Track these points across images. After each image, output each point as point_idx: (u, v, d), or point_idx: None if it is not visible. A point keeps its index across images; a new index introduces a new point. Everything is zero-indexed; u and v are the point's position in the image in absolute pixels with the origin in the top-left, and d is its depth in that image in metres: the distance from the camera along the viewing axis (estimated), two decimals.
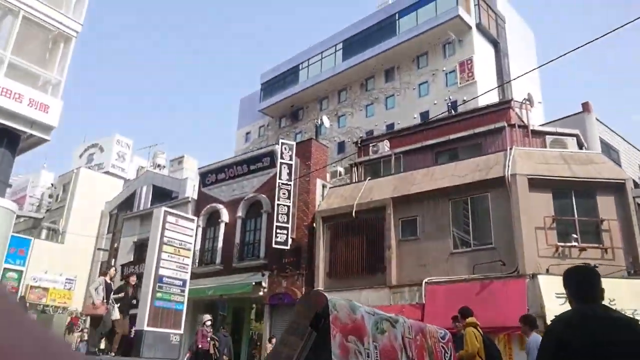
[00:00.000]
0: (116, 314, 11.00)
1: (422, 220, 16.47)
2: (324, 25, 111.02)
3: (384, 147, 19.82)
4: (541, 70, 40.18)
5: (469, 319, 7.76)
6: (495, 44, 35.94)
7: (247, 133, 46.01)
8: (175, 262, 13.64)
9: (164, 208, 13.41)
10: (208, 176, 22.59)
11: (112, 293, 11.19)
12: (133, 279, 12.06)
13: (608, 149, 19.06)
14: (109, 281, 11.40)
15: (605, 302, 7.36)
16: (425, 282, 15.50)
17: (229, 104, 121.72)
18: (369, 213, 17.52)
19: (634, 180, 15.43)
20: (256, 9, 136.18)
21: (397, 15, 36.94)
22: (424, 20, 34.80)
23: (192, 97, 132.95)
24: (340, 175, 25.55)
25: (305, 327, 4.18)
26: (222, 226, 21.27)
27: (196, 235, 21.39)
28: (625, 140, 20.68)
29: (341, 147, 37.92)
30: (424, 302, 15.28)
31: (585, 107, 19.52)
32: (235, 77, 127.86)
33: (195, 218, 15.46)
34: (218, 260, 20.79)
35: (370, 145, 20.37)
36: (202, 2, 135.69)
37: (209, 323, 14.60)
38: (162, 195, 27.08)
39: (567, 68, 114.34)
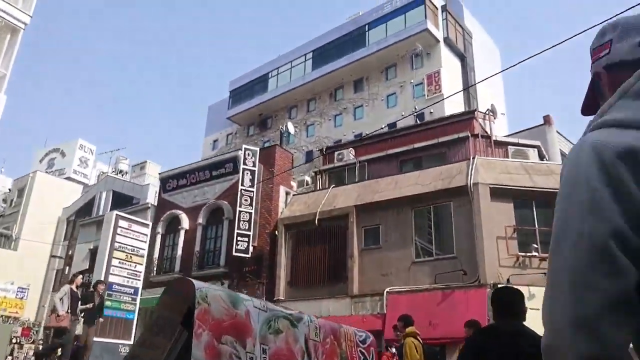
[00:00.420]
0: (80, 329, 10.02)
1: (384, 228, 16.21)
2: (295, 34, 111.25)
3: (349, 155, 19.58)
4: (505, 83, 40.93)
5: (409, 329, 7.29)
6: (462, 58, 36.41)
7: (215, 141, 45.30)
8: (127, 269, 13.01)
9: (115, 212, 12.82)
10: (169, 182, 21.91)
11: (78, 303, 10.08)
12: (102, 288, 10.99)
13: None
14: (75, 290, 10.39)
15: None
16: (387, 292, 15.21)
17: (197, 111, 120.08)
18: (332, 221, 17.19)
19: None
20: (228, 17, 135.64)
21: (366, 26, 37.10)
22: (393, 32, 35.03)
23: (160, 103, 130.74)
24: (307, 184, 25.21)
25: (175, 324, 3.42)
26: (182, 233, 20.59)
27: (154, 242, 20.81)
28: None
29: (309, 156, 37.59)
30: (385, 312, 14.97)
31: (547, 119, 19.73)
32: (205, 84, 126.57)
33: (150, 223, 14.86)
34: (177, 268, 20.08)
35: (336, 153, 20.10)
36: (171, 9, 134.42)
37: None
38: (122, 201, 26.20)
39: (530, 82, 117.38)
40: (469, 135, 17.25)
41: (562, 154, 18.99)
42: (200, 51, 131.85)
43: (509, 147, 16.96)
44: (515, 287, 3.72)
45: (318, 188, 19.45)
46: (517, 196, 14.94)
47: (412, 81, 34.28)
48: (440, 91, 32.32)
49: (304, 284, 17.17)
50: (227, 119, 43.68)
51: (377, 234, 16.31)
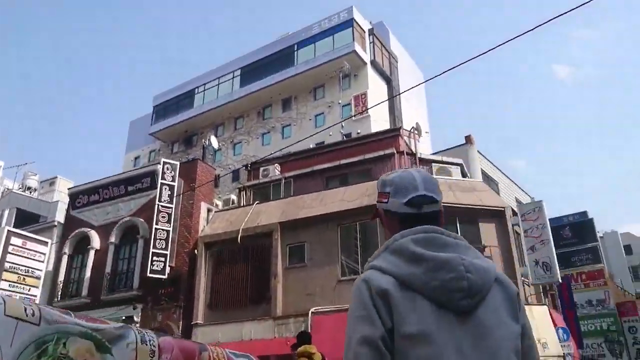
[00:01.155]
0: None
1: (310, 246, 15.56)
2: (223, 51, 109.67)
3: (275, 170, 18.87)
4: (429, 106, 42.15)
5: (300, 349, 6.56)
6: (388, 80, 37.08)
7: (136, 157, 43.05)
8: (19, 292, 11.42)
9: (7, 228, 11.27)
10: (79, 197, 20.09)
11: None
12: None
13: (488, 180, 19.66)
14: None
15: None
16: (312, 312, 14.47)
17: (117, 126, 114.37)
18: (255, 239, 16.31)
19: (512, 208, 15.77)
20: (151, 32, 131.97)
21: (295, 46, 36.99)
22: (322, 52, 35.11)
23: (76, 117, 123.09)
24: (233, 203, 24.18)
25: None
26: (92, 253, 18.81)
27: (60, 263, 18.90)
28: (504, 174, 21.58)
29: (236, 175, 36.50)
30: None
31: (468, 139, 20.11)
32: (127, 98, 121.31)
33: (51, 242, 13.21)
34: (85, 292, 18.25)
35: (261, 169, 19.32)
36: (92, 20, 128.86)
37: None
38: (27, 219, 23.75)
39: (453, 105, 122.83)
40: (395, 152, 17.11)
41: (483, 172, 19.34)
42: (122, 62, 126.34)
43: (433, 164, 16.99)
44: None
45: (242, 205, 18.53)
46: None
47: (339, 101, 34.35)
48: (367, 112, 32.56)
49: (224, 306, 16.07)
50: (149, 135, 41.72)
51: (302, 252, 15.62)
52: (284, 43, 37.70)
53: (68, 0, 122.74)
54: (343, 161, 17.71)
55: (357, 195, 15.58)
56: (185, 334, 16.08)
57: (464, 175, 17.38)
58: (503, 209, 15.19)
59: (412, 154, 17.40)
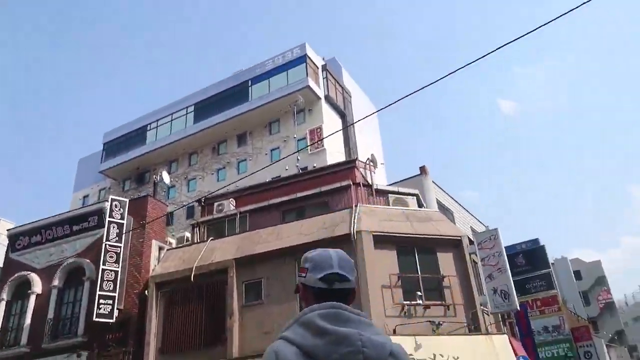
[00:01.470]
0: None
1: (267, 282, 15.00)
2: (175, 88, 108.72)
3: (230, 205, 18.34)
4: (382, 138, 42.78)
5: None
6: (342, 114, 37.45)
7: (85, 196, 41.32)
8: None
9: None
10: (19, 239, 18.82)
11: None
12: None
13: (444, 210, 19.78)
14: None
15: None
16: None
17: (64, 165, 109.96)
18: (210, 277, 15.61)
19: (468, 237, 15.81)
20: (101, 68, 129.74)
21: (249, 82, 37.00)
22: (276, 88, 35.23)
23: (18, 154, 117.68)
24: (187, 240, 23.31)
25: None
26: (33, 298, 17.51)
27: None
28: (458, 203, 21.81)
29: (191, 211, 35.51)
30: None
31: (423, 170, 20.29)
32: (75, 138, 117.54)
33: None
34: (24, 340, 16.86)
35: (215, 204, 18.74)
36: (39, 53, 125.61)
37: None
38: None
39: (407, 138, 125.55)
40: (351, 183, 16.99)
41: (438, 202, 19.44)
42: (68, 99, 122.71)
43: (390, 195, 16.94)
44: None
45: (196, 242, 17.81)
46: (400, 243, 14.68)
47: (295, 136, 34.30)
48: (322, 146, 32.62)
49: (177, 349, 15.16)
50: (99, 173, 40.30)
51: (258, 289, 15.03)
52: (238, 79, 37.66)
53: (13, 34, 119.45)
54: (299, 194, 17.41)
55: (315, 228, 15.26)
56: None
57: (420, 205, 17.40)
58: (460, 238, 15.20)
59: (368, 185, 17.32)
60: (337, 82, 38.33)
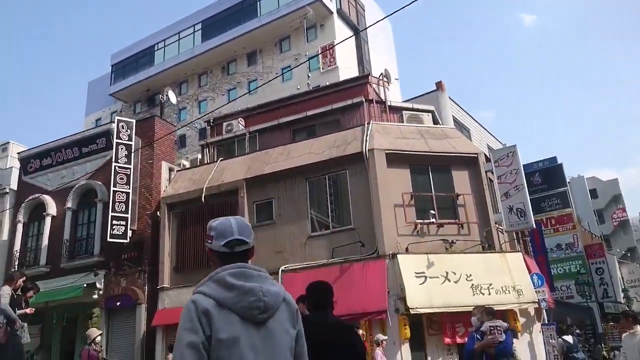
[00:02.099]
0: (27, 337, 7.35)
1: (278, 202, 14.77)
2: (182, 4, 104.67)
3: (239, 125, 17.80)
4: (398, 55, 41.07)
5: None
6: (355, 30, 35.63)
7: (97, 119, 41.01)
8: None
9: None
10: (30, 162, 18.71)
11: (16, 309, 7.27)
12: (31, 295, 7.97)
13: (460, 127, 19.02)
14: (14, 293, 7.46)
15: (459, 277, 11.75)
16: (282, 270, 13.84)
17: (75, 87, 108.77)
18: (220, 197, 15.41)
19: (485, 155, 15.20)
20: None
21: None
22: (285, 2, 33.35)
23: (29, 78, 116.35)
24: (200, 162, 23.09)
25: None
26: (49, 220, 17.67)
27: (15, 231, 17.75)
28: (475, 120, 20.97)
29: (203, 133, 35.08)
30: None
31: (439, 85, 19.31)
32: (83, 58, 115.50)
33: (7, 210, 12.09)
34: (43, 260, 17.22)
35: (224, 124, 18.21)
36: None
37: (99, 339, 9.97)
38: None
39: (422, 55, 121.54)
40: (363, 100, 16.21)
41: (454, 119, 18.67)
42: (73, 19, 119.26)
43: (404, 112, 16.18)
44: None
45: (205, 162, 17.50)
46: (414, 161, 14.16)
47: (306, 54, 32.90)
48: (335, 64, 31.36)
49: (191, 268, 15.30)
50: (110, 96, 39.68)
51: (270, 209, 14.83)
52: None
53: None
54: (309, 112, 16.75)
55: (326, 147, 14.74)
56: (151, 299, 15.36)
57: (435, 122, 16.66)
58: (476, 156, 14.61)
59: (382, 102, 16.54)
60: None
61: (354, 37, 35.55)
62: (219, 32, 35.72)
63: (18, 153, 20.19)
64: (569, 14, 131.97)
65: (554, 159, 33.64)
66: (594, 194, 53.06)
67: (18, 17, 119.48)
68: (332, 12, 33.24)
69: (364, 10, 37.43)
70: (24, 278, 8.02)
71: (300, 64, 31.66)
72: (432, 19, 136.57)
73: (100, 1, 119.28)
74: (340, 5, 34.11)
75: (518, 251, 14.20)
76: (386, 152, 13.80)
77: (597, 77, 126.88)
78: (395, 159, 13.91)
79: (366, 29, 32.68)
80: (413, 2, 8.05)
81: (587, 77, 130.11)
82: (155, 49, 38.48)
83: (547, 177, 33.01)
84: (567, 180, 36.26)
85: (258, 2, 34.93)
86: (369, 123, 14.73)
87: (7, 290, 7.29)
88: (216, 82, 36.72)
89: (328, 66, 31.75)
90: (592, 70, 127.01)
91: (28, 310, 7.49)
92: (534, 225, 14.12)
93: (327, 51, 32.14)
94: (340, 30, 33.57)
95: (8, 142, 30.08)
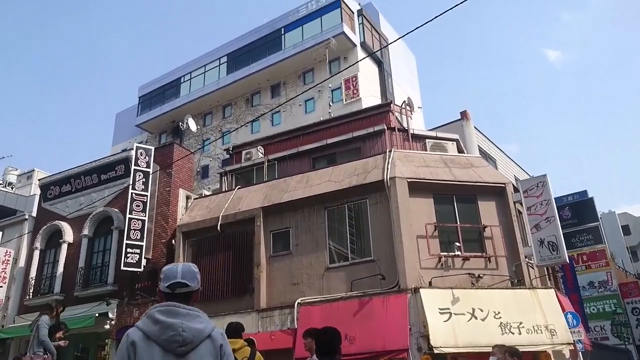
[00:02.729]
0: None
1: (295, 232, 14.17)
2: (208, 38, 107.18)
3: (258, 153, 17.45)
4: (421, 83, 40.75)
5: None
6: (379, 63, 35.54)
7: (124, 150, 41.36)
8: None
9: None
10: (50, 189, 18.63)
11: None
12: (60, 335, 7.67)
13: (486, 157, 18.27)
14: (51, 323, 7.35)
15: (487, 315, 11.35)
16: (298, 303, 13.12)
17: (103, 119, 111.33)
18: (236, 226, 14.91)
19: (513, 185, 14.41)
20: (136, 21, 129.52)
21: (282, 30, 35.44)
22: (310, 36, 33.56)
23: (59, 110, 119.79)
24: None
25: None
26: (65, 247, 17.40)
27: (31, 259, 17.51)
28: (502, 151, 20.20)
29: (225, 163, 35.08)
30: (296, 326, 12.86)
31: (464, 115, 18.70)
32: (112, 91, 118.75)
33: (24, 236, 11.80)
34: (57, 288, 16.86)
35: (243, 152, 17.89)
36: (72, 13, 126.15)
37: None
38: (3, 214, 22.32)
39: (446, 89, 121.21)
40: (385, 128, 15.70)
41: (480, 150, 17.95)
42: (103, 53, 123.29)
43: (427, 140, 15.57)
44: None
45: (223, 190, 17.10)
46: (437, 190, 13.46)
47: (330, 85, 32.83)
48: (358, 96, 31.13)
49: (205, 299, 14.65)
50: (136, 127, 40.18)
51: (287, 238, 14.23)
52: (270, 27, 36.10)
53: None
54: (330, 140, 16.30)
55: (346, 175, 14.19)
56: None
57: (460, 151, 15.97)
58: (504, 185, 13.83)
59: (404, 130, 15.98)
60: (374, 28, 36.26)
61: (377, 69, 35.51)
62: (243, 64, 36.09)
63: (39, 180, 20.20)
64: (593, 50, 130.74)
65: (585, 192, 32.37)
66: (626, 230, 50.97)
67: (53, 51, 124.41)
68: (355, 45, 33.27)
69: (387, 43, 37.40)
70: (62, 308, 8.08)
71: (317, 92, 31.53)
72: (454, 52, 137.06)
73: (131, 36, 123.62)
74: (364, 38, 34.15)
75: (550, 287, 13.21)
76: (408, 180, 13.16)
77: (623, 112, 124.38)
78: (418, 188, 13.24)
79: (387, 45, 32.48)
80: (427, 22, 7.61)
81: (611, 112, 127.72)
82: (182, 81, 39.05)
83: (577, 211, 31.67)
84: (598, 215, 34.77)
85: (283, 36, 35.27)
86: (390, 151, 14.16)
87: (46, 320, 7.26)
88: (240, 114, 36.85)
89: (351, 98, 31.55)
90: (617, 104, 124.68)
91: (62, 343, 7.39)
92: (567, 260, 13.14)
93: (350, 83, 32.03)
94: (364, 62, 33.46)
95: (33, 170, 30.45)
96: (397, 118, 16.46)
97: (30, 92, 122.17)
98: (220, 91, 36.74)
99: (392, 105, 16.85)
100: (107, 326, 15.25)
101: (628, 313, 29.25)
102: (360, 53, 33.63)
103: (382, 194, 13.30)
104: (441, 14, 7.39)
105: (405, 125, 16.23)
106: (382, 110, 16.73)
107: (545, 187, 13.48)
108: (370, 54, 32.85)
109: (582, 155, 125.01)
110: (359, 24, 34.74)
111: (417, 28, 7.67)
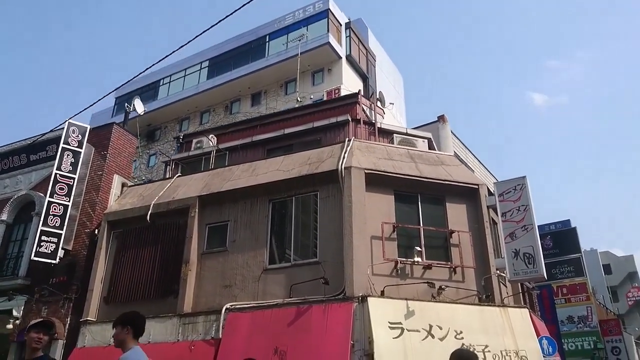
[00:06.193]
0: None
1: (234, 225, 11.89)
2: (191, 44, 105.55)
3: (209, 142, 15.29)
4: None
5: None
6: (364, 78, 33.81)
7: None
8: None
9: None
10: None
11: None
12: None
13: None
14: None
15: (447, 333, 8.90)
16: (227, 309, 10.76)
17: (81, 120, 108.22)
18: (169, 217, 12.61)
19: (488, 188, 12.31)
20: (121, 21, 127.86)
21: (267, 37, 33.77)
22: (294, 44, 31.87)
23: (35, 111, 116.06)
24: None
25: None
26: None
27: None
28: (478, 160, 18.20)
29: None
30: (220, 336, 10.47)
31: (441, 118, 16.75)
32: (90, 96, 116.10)
33: None
34: None
35: (194, 140, 15.73)
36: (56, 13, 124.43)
37: None
38: None
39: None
40: (349, 119, 13.66)
41: (455, 155, 15.91)
42: (82, 54, 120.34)
43: (395, 135, 13.50)
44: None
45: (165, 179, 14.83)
46: (400, 187, 11.32)
47: (311, 97, 30.93)
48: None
49: (124, 299, 12.27)
50: None
51: (223, 233, 11.93)
52: (254, 34, 34.44)
53: None
54: (287, 130, 14.20)
55: (297, 164, 12.02)
56: (72, 334, 12.25)
57: (431, 149, 13.91)
58: (477, 187, 11.72)
59: (371, 123, 13.93)
60: (362, 43, 34.66)
61: (362, 84, 33.77)
62: (225, 70, 34.27)
63: None
64: (580, 95, 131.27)
65: (568, 222, 30.37)
66: (607, 269, 49.06)
67: (30, 50, 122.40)
68: (340, 58, 31.58)
69: (375, 60, 35.83)
70: None
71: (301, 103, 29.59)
72: (444, 93, 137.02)
73: (107, 33, 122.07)
74: (350, 51, 32.51)
75: (524, 307, 10.97)
76: (366, 171, 11.02)
77: (612, 160, 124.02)
78: (377, 181, 11.10)
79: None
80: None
81: (597, 153, 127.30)
82: (161, 83, 37.13)
83: (559, 241, 29.62)
84: (581, 248, 32.74)
85: (267, 43, 33.59)
86: (350, 140, 12.06)
87: None
88: (218, 121, 34.79)
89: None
90: (607, 156, 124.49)
91: None
92: (545, 275, 10.94)
93: (333, 95, 30.16)
94: (348, 75, 31.73)
95: None
96: (364, 111, 14.44)
97: (5, 87, 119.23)
98: (199, 96, 34.78)
99: (359, 96, 14.83)
100: (10, 326, 12.72)
101: (608, 352, 26.97)
102: (345, 66, 31.95)
103: (335, 187, 11.15)
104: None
105: (372, 118, 14.19)
106: (348, 101, 14.72)
107: (524, 190, 11.40)
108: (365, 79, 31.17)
109: (565, 198, 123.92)
110: (346, 37, 33.15)
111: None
